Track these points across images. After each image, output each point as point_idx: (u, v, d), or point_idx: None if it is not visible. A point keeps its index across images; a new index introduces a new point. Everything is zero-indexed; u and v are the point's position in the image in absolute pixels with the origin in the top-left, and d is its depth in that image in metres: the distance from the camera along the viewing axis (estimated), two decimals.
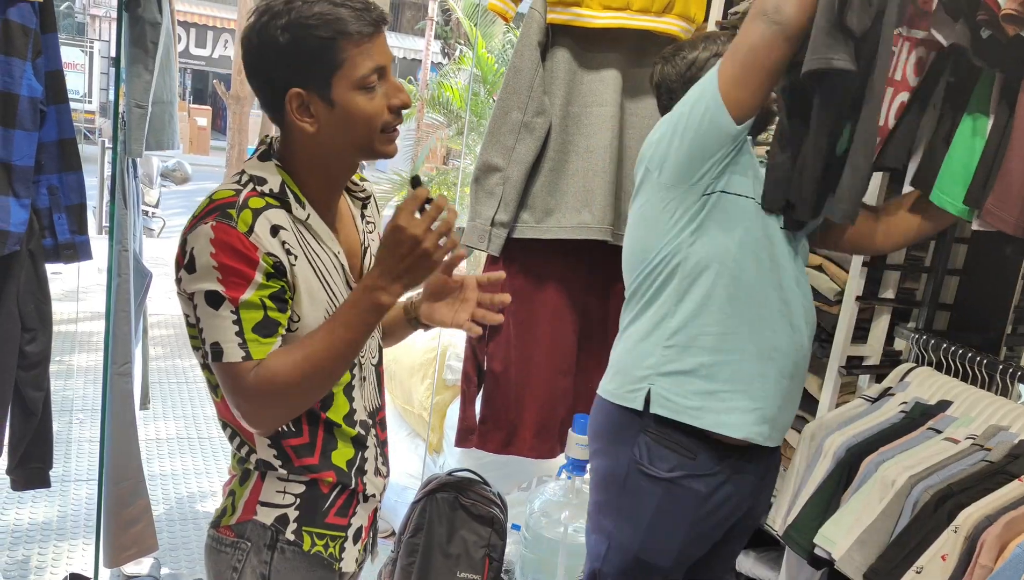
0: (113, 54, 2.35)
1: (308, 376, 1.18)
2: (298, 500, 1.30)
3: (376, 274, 1.16)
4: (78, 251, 2.21)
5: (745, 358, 1.62)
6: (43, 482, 2.33)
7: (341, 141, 1.21)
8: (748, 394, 1.63)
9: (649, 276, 1.67)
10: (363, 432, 1.35)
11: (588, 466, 1.90)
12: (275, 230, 1.18)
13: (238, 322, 1.15)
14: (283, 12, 1.14)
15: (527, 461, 2.82)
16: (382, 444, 1.43)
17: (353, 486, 1.34)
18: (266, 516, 1.29)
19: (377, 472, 1.39)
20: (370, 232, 1.40)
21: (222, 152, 13.60)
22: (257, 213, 1.16)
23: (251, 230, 1.15)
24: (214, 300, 1.14)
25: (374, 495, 1.39)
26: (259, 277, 1.15)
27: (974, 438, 1.62)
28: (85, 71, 14.96)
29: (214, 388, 1.27)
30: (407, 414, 3.51)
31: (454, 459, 3.10)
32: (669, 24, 2.40)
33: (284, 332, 1.20)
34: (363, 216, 1.39)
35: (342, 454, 1.32)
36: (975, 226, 1.59)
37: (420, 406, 3.36)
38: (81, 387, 4.60)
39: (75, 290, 4.77)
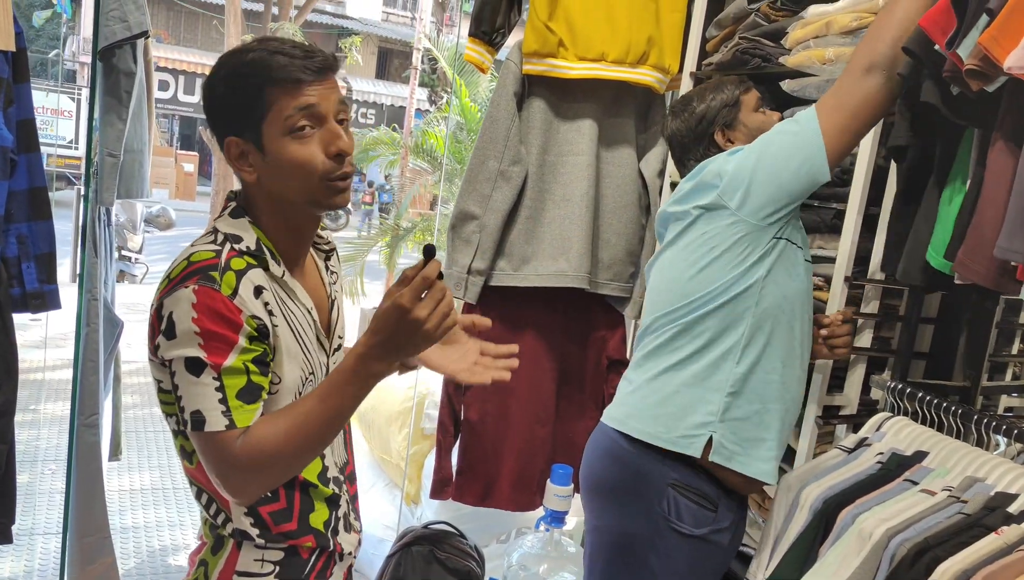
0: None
1: (298, 444, 1.13)
2: (277, 568, 1.25)
3: (372, 344, 1.11)
4: (47, 300, 2.18)
5: (783, 408, 1.66)
6: (5, 537, 2.26)
7: (282, 190, 1.19)
8: (778, 443, 1.67)
9: (713, 313, 1.61)
10: (336, 490, 1.31)
11: (593, 522, 1.81)
12: (258, 291, 1.15)
13: (221, 389, 1.10)
14: (223, 63, 1.17)
15: (505, 513, 2.77)
16: (353, 499, 1.39)
17: (331, 547, 1.30)
18: None
19: (350, 528, 1.35)
20: (333, 283, 1.37)
21: (208, 197, 13.61)
22: (240, 274, 1.13)
23: (235, 293, 1.11)
24: (195, 367, 1.09)
25: (350, 552, 1.35)
26: (243, 341, 1.11)
27: (950, 490, 1.60)
28: (74, 117, 15.02)
29: (188, 455, 1.22)
30: (385, 464, 3.46)
31: (431, 510, 3.05)
32: (644, 75, 2.43)
33: (266, 396, 1.16)
34: (327, 268, 1.37)
35: (319, 516, 1.28)
36: (957, 281, 1.58)
37: (398, 456, 3.31)
38: (56, 437, 4.52)
39: (51, 337, 4.73)
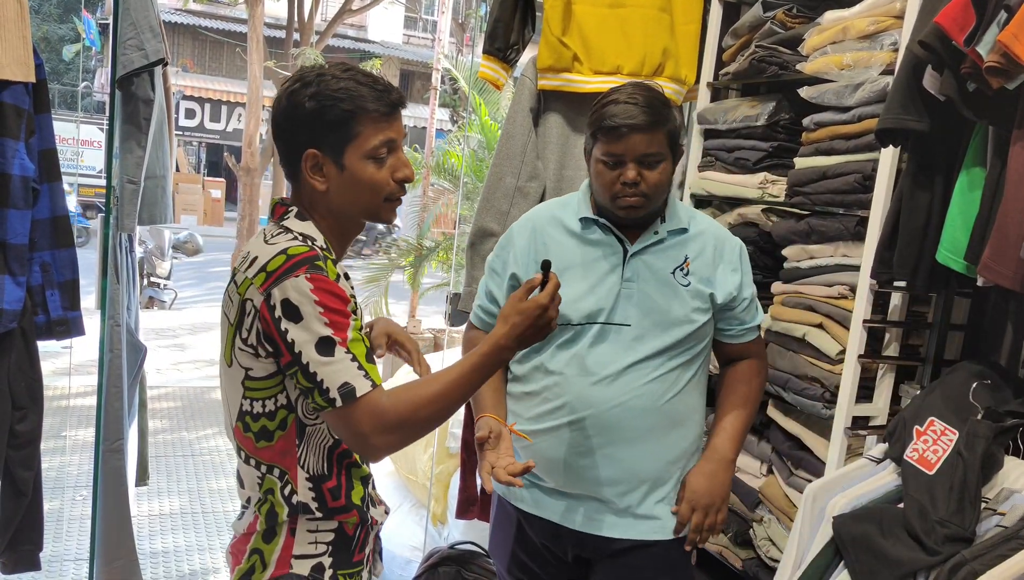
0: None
1: (441, 407, 1.29)
2: (330, 547, 1.38)
3: (508, 335, 1.34)
4: (71, 327, 2.20)
5: None
6: (33, 564, 2.27)
7: (347, 201, 1.35)
8: None
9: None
10: (368, 470, 1.45)
11: None
12: (345, 277, 1.35)
13: (355, 359, 1.26)
14: (313, 82, 1.30)
15: None
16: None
17: (368, 521, 1.44)
18: (302, 567, 1.36)
19: (377, 503, 1.48)
20: None
21: (235, 223, 13.74)
22: (335, 263, 1.32)
23: (338, 278, 1.29)
24: (327, 346, 1.24)
25: (379, 522, 1.49)
26: (352, 316, 1.28)
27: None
28: (103, 147, 15.28)
29: (269, 434, 1.32)
30: (412, 484, 3.44)
31: (458, 531, 3.02)
32: (660, 87, 2.41)
33: None
34: None
35: (357, 492, 1.41)
36: (979, 282, 1.55)
37: (424, 476, 3.29)
38: (85, 463, 4.55)
39: (81, 364, 4.78)
